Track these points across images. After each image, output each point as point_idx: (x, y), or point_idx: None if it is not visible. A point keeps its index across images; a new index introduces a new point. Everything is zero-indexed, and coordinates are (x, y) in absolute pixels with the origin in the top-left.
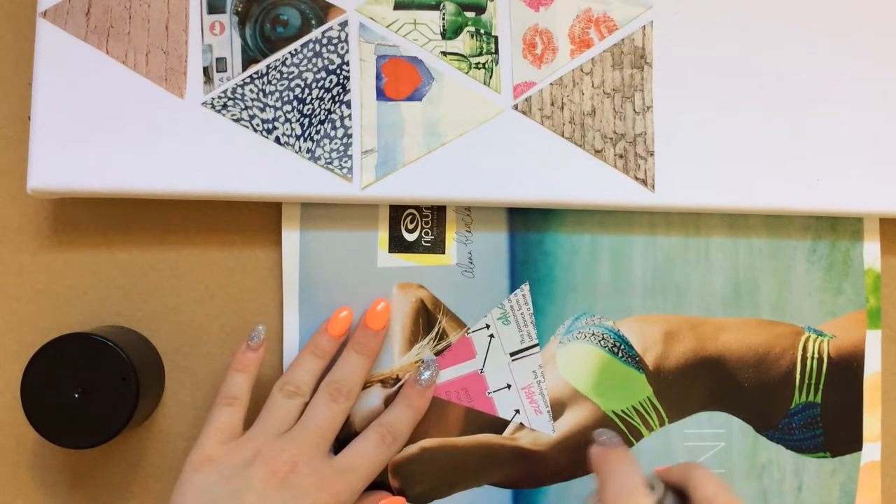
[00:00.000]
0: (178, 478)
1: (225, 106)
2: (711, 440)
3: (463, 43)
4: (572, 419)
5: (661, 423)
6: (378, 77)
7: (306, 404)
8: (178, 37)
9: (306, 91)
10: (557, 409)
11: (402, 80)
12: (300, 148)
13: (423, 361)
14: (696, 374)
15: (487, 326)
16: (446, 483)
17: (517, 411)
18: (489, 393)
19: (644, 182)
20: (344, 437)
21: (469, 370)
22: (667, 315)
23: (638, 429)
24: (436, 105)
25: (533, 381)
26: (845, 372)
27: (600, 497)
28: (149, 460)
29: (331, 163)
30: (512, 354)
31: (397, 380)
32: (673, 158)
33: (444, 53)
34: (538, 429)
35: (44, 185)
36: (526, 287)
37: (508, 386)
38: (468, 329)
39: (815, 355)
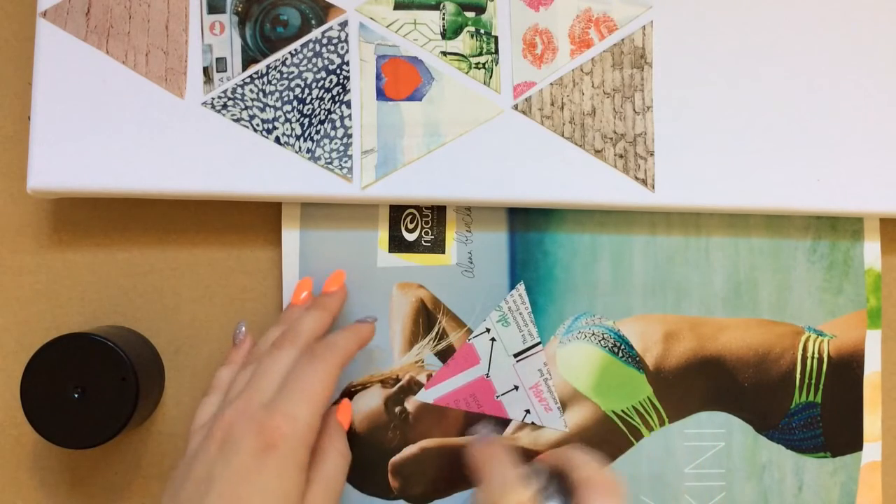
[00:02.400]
0: None
1: (225, 106)
2: (711, 440)
3: (463, 43)
4: (572, 419)
5: (661, 423)
6: (378, 77)
7: None
8: (178, 37)
9: (306, 91)
10: None
11: (402, 80)
12: (300, 148)
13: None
14: (696, 374)
15: (488, 330)
16: (446, 483)
17: (527, 411)
18: (497, 396)
19: (644, 182)
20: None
21: (475, 376)
22: (667, 315)
23: (638, 429)
24: (436, 105)
25: (539, 379)
26: (845, 372)
27: (480, 494)
28: (149, 460)
29: (331, 163)
30: (516, 356)
31: (397, 380)
32: (673, 158)
33: (444, 53)
34: (550, 426)
35: (44, 185)
36: (521, 287)
37: (516, 387)
38: (469, 336)
39: (815, 355)
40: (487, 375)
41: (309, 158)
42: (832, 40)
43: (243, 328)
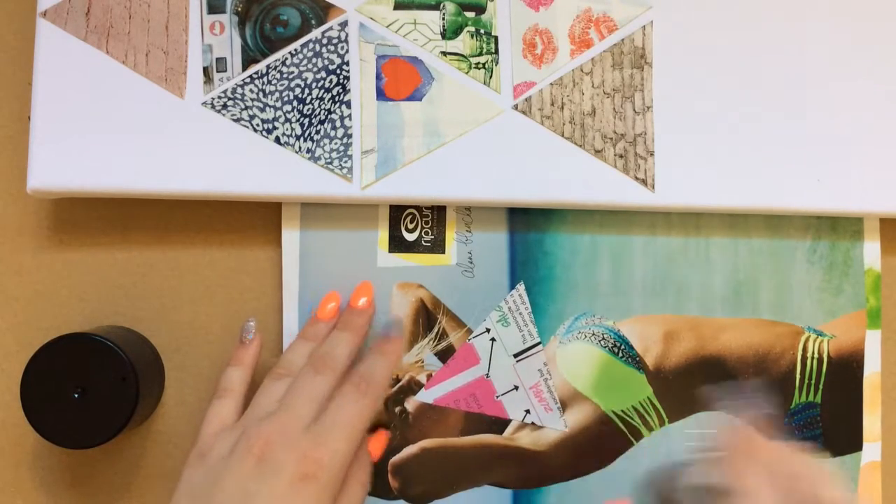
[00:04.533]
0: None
1: (225, 106)
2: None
3: (463, 43)
4: (572, 419)
5: (661, 423)
6: (378, 77)
7: None
8: (178, 37)
9: (306, 91)
10: None
11: (402, 80)
12: (300, 148)
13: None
14: (696, 374)
15: (488, 330)
16: (446, 483)
17: (527, 411)
18: (497, 396)
19: (644, 182)
20: None
21: (475, 376)
22: (667, 315)
23: (638, 429)
24: (436, 105)
25: (539, 379)
26: (845, 372)
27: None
28: (149, 460)
29: (331, 163)
30: (516, 356)
31: (397, 380)
32: (673, 158)
33: (444, 53)
34: (550, 426)
35: (44, 185)
36: (521, 287)
37: (516, 387)
38: (470, 335)
39: (815, 355)
40: (487, 375)
41: (309, 158)
42: (832, 40)
43: (252, 326)
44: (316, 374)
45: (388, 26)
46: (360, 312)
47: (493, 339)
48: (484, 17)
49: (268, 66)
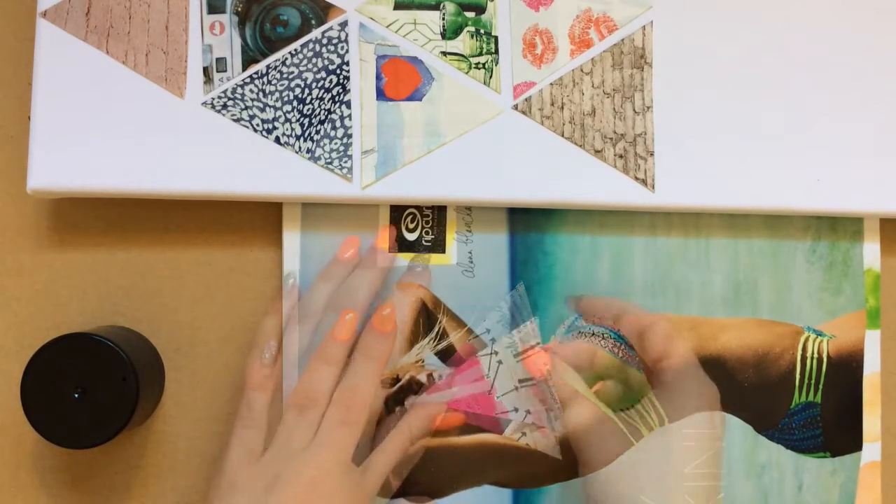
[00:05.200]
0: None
1: (225, 106)
2: (711, 440)
3: (463, 43)
4: (572, 419)
5: (661, 423)
6: (378, 77)
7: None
8: (178, 37)
9: (306, 91)
10: None
11: (402, 80)
12: (300, 148)
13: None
14: (697, 374)
15: (488, 331)
16: (446, 483)
17: (528, 411)
18: (498, 397)
19: (644, 182)
20: None
21: (475, 377)
22: (667, 315)
23: (638, 429)
24: (436, 105)
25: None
26: (845, 372)
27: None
28: (149, 460)
29: (331, 163)
30: (516, 356)
31: (397, 379)
32: (673, 158)
33: (444, 53)
34: (550, 426)
35: (44, 185)
36: (521, 287)
37: (516, 388)
38: (470, 335)
39: (815, 355)
40: (487, 376)
41: (309, 158)
42: (832, 40)
43: (274, 347)
44: (344, 426)
45: (388, 26)
46: (382, 337)
47: (493, 340)
48: (484, 17)
49: (268, 66)
